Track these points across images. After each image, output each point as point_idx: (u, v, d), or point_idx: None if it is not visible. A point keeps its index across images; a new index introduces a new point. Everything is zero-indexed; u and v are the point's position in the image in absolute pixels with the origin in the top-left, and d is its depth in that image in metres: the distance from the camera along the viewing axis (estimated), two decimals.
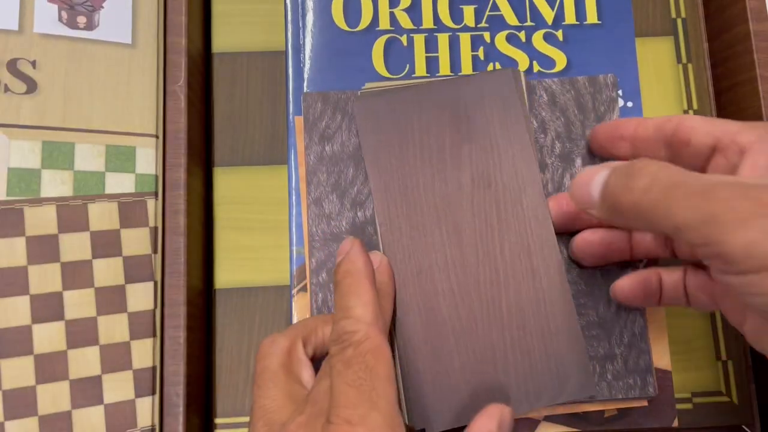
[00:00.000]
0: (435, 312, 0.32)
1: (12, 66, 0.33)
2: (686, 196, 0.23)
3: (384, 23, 0.37)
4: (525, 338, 0.32)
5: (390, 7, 0.37)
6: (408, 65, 0.36)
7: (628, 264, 0.34)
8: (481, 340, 0.31)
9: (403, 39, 0.37)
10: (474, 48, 0.37)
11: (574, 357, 0.32)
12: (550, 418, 0.34)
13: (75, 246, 0.32)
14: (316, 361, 0.29)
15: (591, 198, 0.28)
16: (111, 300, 0.32)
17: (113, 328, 0.32)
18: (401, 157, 0.33)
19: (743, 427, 0.35)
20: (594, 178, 0.27)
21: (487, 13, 0.37)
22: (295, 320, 0.34)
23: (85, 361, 0.31)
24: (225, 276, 0.36)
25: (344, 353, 0.26)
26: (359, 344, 0.26)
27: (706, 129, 0.28)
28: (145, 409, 0.31)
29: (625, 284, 0.32)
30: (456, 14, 0.37)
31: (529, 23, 0.37)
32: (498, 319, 0.32)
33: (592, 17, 0.38)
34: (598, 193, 0.27)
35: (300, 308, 0.34)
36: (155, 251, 0.33)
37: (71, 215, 0.32)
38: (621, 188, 0.26)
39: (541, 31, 0.37)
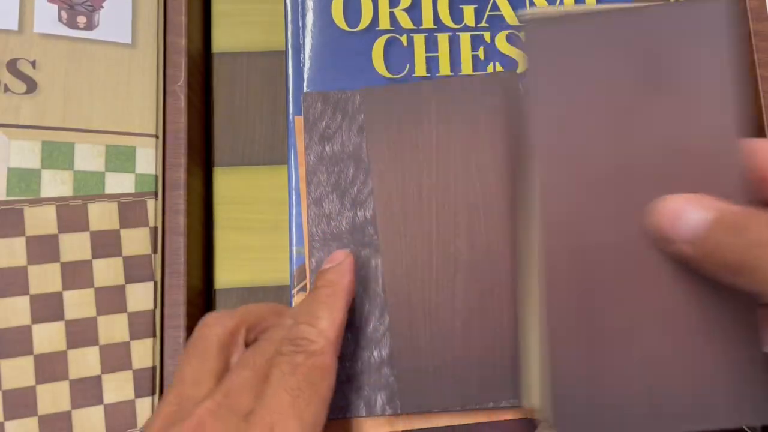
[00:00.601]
0: (594, 303, 0.27)
1: (12, 66, 0.33)
2: None
3: (384, 23, 0.37)
4: (698, 347, 0.27)
5: (390, 7, 0.37)
6: (408, 65, 0.36)
7: None
8: (643, 341, 0.27)
9: (403, 39, 0.37)
10: (474, 48, 0.37)
11: (753, 376, 0.27)
12: None
13: (75, 246, 0.32)
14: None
15: (680, 235, 0.25)
16: (111, 300, 0.32)
17: (113, 328, 0.32)
18: (577, 106, 0.27)
19: (744, 427, 0.35)
20: (686, 215, 0.25)
21: (487, 12, 0.37)
22: None
23: (84, 361, 0.31)
24: (225, 276, 0.36)
25: (294, 357, 0.25)
26: (312, 355, 0.25)
27: None
28: (145, 409, 0.31)
29: None
30: (456, 14, 0.37)
31: None
32: (667, 321, 0.27)
33: None
34: (691, 235, 0.25)
35: None
36: (155, 251, 0.33)
37: (71, 215, 0.32)
38: (727, 244, 0.24)
39: None
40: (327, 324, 0.27)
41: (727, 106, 0.27)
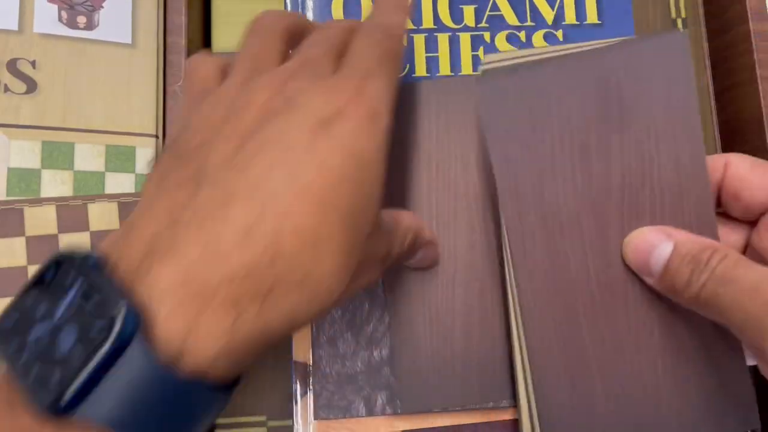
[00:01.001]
0: (575, 335, 0.27)
1: (12, 66, 0.33)
2: (736, 295, 0.23)
3: None
4: (680, 366, 0.27)
5: None
6: (408, 65, 0.36)
7: None
8: (626, 368, 0.27)
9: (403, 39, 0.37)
10: (474, 48, 0.37)
11: (737, 387, 0.28)
12: None
13: (75, 246, 0.32)
14: None
15: (648, 270, 0.27)
16: None
17: None
18: (535, 151, 0.27)
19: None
20: (654, 251, 0.26)
21: (487, 13, 0.37)
22: None
23: None
24: None
25: (375, 34, 0.25)
26: (393, 38, 0.25)
27: (759, 183, 0.26)
28: None
29: None
30: (456, 14, 0.37)
31: (529, 23, 0.37)
32: (648, 344, 0.27)
33: (592, 17, 0.37)
34: (658, 270, 0.26)
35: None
36: None
37: (71, 215, 0.32)
38: (681, 281, 0.25)
39: (541, 31, 0.37)
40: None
41: (691, 133, 0.27)
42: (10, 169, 0.32)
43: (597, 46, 0.28)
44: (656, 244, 0.26)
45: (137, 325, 0.18)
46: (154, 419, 0.19)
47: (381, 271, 0.25)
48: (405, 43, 0.27)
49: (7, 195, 0.31)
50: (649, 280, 0.27)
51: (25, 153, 0.32)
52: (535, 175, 0.27)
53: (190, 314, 0.19)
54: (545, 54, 0.28)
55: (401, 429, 0.32)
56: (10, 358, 0.19)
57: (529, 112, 0.27)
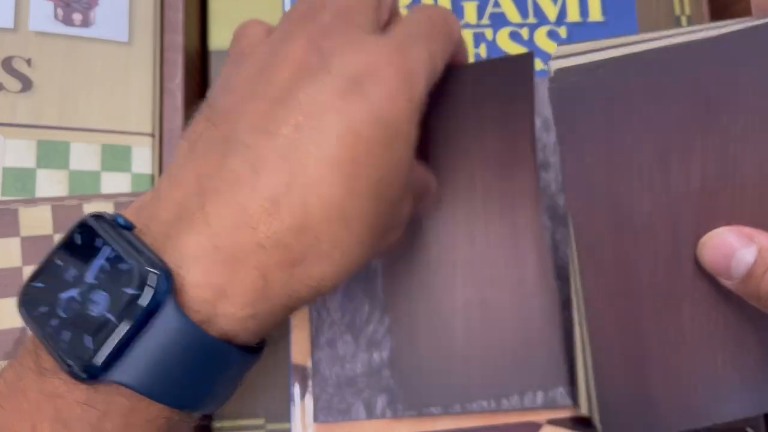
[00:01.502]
0: (637, 328, 0.27)
1: (7, 64, 0.32)
2: None
3: None
4: (743, 356, 0.27)
5: None
6: None
7: None
8: (686, 358, 0.27)
9: None
10: (476, 45, 0.36)
11: None
12: (553, 422, 0.33)
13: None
14: None
15: (728, 273, 0.25)
16: None
17: None
18: (611, 155, 0.26)
19: (747, 428, 0.35)
20: (736, 255, 0.25)
21: (489, 10, 0.37)
22: (293, 323, 0.34)
23: None
24: None
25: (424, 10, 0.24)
26: (451, 23, 0.25)
27: None
28: None
29: None
30: (457, 11, 0.37)
31: (531, 20, 0.37)
32: (711, 337, 0.27)
33: (595, 14, 0.37)
34: (740, 274, 0.25)
35: (299, 310, 0.34)
36: None
37: (67, 215, 0.32)
38: (767, 288, 0.24)
39: (544, 28, 0.37)
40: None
41: None
42: (5, 169, 0.31)
43: (681, 38, 0.25)
44: (737, 248, 0.25)
45: (170, 288, 0.18)
46: (184, 382, 0.19)
47: (404, 228, 0.25)
48: (460, 40, 0.26)
49: (2, 195, 0.31)
50: (727, 283, 0.26)
51: (20, 152, 0.32)
52: (610, 178, 0.26)
53: (220, 279, 0.19)
54: (623, 47, 0.25)
55: None
56: (39, 322, 0.19)
57: (607, 115, 0.25)
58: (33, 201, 0.31)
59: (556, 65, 0.25)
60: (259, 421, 0.34)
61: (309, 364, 0.32)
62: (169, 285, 0.18)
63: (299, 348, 0.33)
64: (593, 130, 0.26)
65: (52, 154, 0.32)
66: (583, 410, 0.29)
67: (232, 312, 0.19)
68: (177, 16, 0.35)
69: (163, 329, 0.18)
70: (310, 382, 0.32)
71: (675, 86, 0.25)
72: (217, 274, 0.19)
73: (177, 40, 0.34)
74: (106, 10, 0.34)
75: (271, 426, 0.34)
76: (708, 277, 0.27)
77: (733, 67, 0.25)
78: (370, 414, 0.31)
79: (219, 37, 0.38)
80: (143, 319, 0.18)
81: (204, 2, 0.38)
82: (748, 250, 0.25)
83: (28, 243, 0.31)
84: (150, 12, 0.35)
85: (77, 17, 0.34)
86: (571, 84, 0.25)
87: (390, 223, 0.22)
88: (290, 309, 0.21)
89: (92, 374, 0.18)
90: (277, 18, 0.37)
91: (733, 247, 0.25)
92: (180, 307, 0.18)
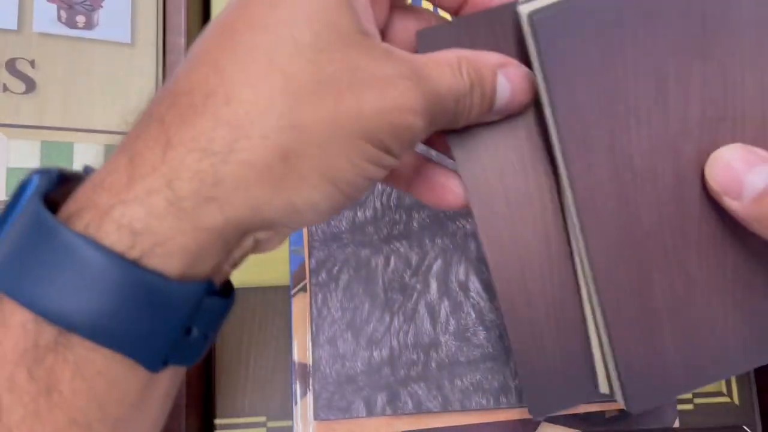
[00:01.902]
0: (646, 287, 0.26)
1: (11, 66, 0.32)
2: None
3: None
4: (751, 299, 0.26)
5: None
6: None
7: None
8: (696, 312, 0.26)
9: None
10: None
11: None
12: (551, 419, 0.33)
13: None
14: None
15: (738, 192, 0.23)
16: None
17: None
18: (604, 94, 0.24)
19: (744, 427, 0.35)
20: (749, 174, 0.23)
21: None
22: (294, 321, 0.34)
23: None
24: None
25: None
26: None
27: None
28: None
29: None
30: None
31: None
32: (719, 284, 0.26)
33: None
34: (752, 195, 0.23)
35: (299, 308, 0.34)
36: None
37: None
38: None
39: None
40: None
41: None
42: (9, 169, 0.32)
43: None
44: (751, 166, 0.23)
45: (42, 187, 0.18)
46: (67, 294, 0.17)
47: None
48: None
49: (6, 195, 0.31)
50: (733, 203, 0.24)
51: (24, 153, 0.32)
52: (606, 121, 0.24)
53: (151, 210, 0.18)
54: None
55: (401, 430, 0.32)
56: None
57: (597, 51, 0.23)
58: None
59: (527, 7, 0.24)
60: (261, 419, 0.34)
61: (310, 362, 0.32)
62: (41, 181, 0.18)
63: (300, 346, 0.33)
64: (584, 70, 0.24)
65: (56, 155, 0.32)
66: (603, 388, 0.27)
67: (164, 239, 0.18)
68: (179, 18, 0.35)
69: (23, 219, 0.17)
70: (310, 380, 0.32)
71: (667, 9, 0.24)
72: (143, 204, 0.18)
73: (179, 42, 0.35)
74: (109, 12, 0.34)
75: (272, 424, 0.34)
76: (714, 217, 0.25)
77: None
78: (370, 411, 0.32)
79: None
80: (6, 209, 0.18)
81: (206, 4, 0.39)
82: (762, 169, 0.23)
83: None
84: (152, 14, 0.35)
85: (80, 19, 0.34)
86: (556, 20, 0.23)
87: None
88: (236, 235, 0.19)
89: None
90: None
91: (748, 164, 0.23)
92: (44, 204, 0.17)
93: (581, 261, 0.26)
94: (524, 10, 0.24)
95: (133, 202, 0.17)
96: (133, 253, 0.17)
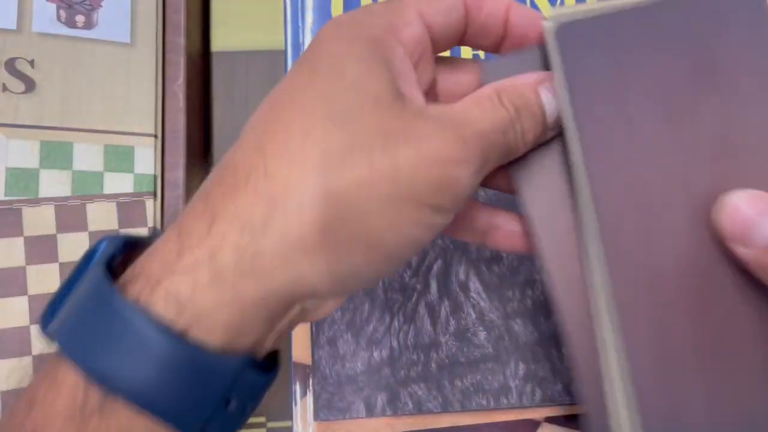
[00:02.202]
0: (670, 330, 0.24)
1: (10, 65, 0.32)
2: None
3: None
4: None
5: None
6: None
7: None
8: (726, 363, 0.24)
9: None
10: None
11: None
12: (551, 420, 0.33)
13: (73, 246, 0.32)
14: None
15: (748, 240, 0.22)
16: None
17: None
18: (619, 114, 0.23)
19: None
20: (758, 220, 0.22)
21: None
22: None
23: None
24: None
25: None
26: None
27: None
28: None
29: None
30: None
31: None
32: (747, 330, 0.24)
33: None
34: (763, 243, 0.22)
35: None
36: None
37: (69, 215, 0.32)
38: None
39: None
40: None
41: None
42: (8, 169, 0.32)
43: None
44: (761, 212, 0.22)
45: (107, 253, 0.20)
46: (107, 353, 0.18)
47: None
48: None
49: (6, 195, 0.31)
50: (742, 250, 0.23)
51: (24, 153, 0.32)
52: (624, 139, 0.23)
53: (196, 282, 0.18)
54: (624, 6, 0.24)
55: (401, 430, 0.32)
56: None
57: (617, 66, 0.23)
58: (36, 201, 0.32)
59: (553, 23, 0.24)
60: (260, 419, 0.34)
61: (310, 362, 0.32)
62: (106, 249, 0.20)
63: (300, 346, 0.33)
64: (604, 83, 0.23)
65: (55, 155, 0.32)
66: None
67: (208, 311, 0.18)
68: (179, 17, 0.35)
69: (88, 285, 0.19)
70: (310, 381, 0.32)
71: (677, 41, 0.24)
72: (193, 278, 0.19)
73: (179, 41, 0.35)
74: (108, 11, 0.34)
75: (272, 424, 0.34)
76: (728, 264, 0.23)
77: (735, 24, 0.23)
78: (370, 412, 0.32)
79: (221, 39, 0.38)
80: (74, 273, 0.20)
81: (206, 4, 0.39)
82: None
83: (31, 243, 0.31)
84: (152, 14, 0.35)
85: (80, 19, 0.34)
86: (579, 36, 0.23)
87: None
88: (269, 309, 0.19)
89: (44, 327, 0.20)
90: (277, 18, 0.38)
91: (758, 211, 0.22)
92: (109, 275, 0.19)
93: (601, 295, 0.24)
94: (550, 24, 0.24)
95: (181, 274, 0.18)
96: (179, 324, 0.18)
